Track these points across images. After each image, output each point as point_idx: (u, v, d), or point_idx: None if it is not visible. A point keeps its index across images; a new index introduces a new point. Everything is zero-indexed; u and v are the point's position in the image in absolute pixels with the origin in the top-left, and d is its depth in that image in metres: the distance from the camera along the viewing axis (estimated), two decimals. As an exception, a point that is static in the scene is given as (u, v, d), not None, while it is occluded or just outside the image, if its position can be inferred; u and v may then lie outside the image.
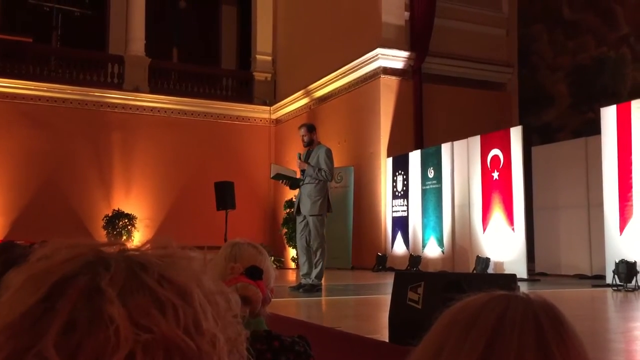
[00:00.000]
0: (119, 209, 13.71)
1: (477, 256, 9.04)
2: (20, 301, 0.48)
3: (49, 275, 0.49)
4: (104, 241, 0.55)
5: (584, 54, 11.29)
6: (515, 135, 8.73)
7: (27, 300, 0.47)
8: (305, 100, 14.63)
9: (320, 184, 6.76)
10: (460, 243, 9.74)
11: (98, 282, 0.48)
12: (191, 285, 0.52)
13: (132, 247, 0.54)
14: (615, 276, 6.85)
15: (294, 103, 15.10)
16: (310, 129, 7.09)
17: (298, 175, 7.02)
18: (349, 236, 12.07)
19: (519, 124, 10.26)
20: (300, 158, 6.95)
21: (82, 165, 13.98)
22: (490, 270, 8.68)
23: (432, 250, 10.32)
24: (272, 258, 13.36)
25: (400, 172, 11.27)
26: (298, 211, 6.90)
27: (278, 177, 7.12)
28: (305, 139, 7.01)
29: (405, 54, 11.99)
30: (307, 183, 6.80)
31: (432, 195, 10.39)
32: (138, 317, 0.48)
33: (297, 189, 7.06)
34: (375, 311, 4.87)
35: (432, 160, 10.46)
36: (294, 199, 11.35)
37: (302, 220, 6.84)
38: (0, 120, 13.48)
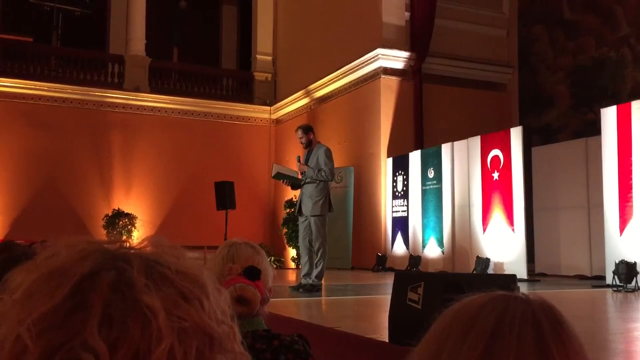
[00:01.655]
0: (119, 208, 13.71)
1: (477, 256, 9.04)
2: (42, 299, 0.48)
3: (69, 272, 0.49)
4: (107, 239, 0.55)
5: (584, 54, 11.29)
6: (516, 135, 8.73)
7: (51, 297, 0.48)
8: (305, 101, 14.63)
9: (322, 184, 6.76)
10: (460, 243, 9.74)
11: (127, 275, 0.49)
12: (203, 277, 0.54)
13: (134, 244, 0.55)
14: (615, 277, 6.85)
15: (294, 103, 15.10)
16: (306, 130, 7.07)
17: (299, 177, 7.01)
18: (349, 236, 12.07)
19: (519, 125, 10.26)
20: (299, 161, 6.94)
21: (82, 164, 13.99)
22: (490, 271, 8.68)
23: (432, 251, 10.32)
24: (272, 258, 13.43)
25: (400, 172, 11.27)
26: (300, 212, 6.90)
27: (279, 176, 7.11)
28: (303, 140, 7.01)
29: (405, 54, 11.99)
30: (308, 183, 6.80)
31: (432, 195, 10.39)
32: (171, 308, 0.49)
33: (298, 189, 7.06)
34: (375, 311, 4.87)
35: (432, 161, 10.46)
36: (294, 199, 11.39)
37: (304, 221, 6.84)
38: (0, 119, 13.48)
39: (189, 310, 0.50)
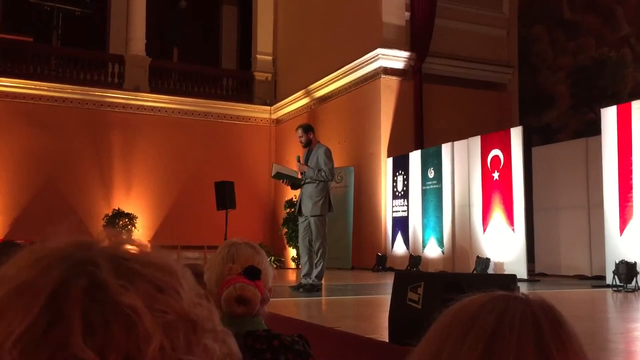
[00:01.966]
0: (119, 208, 13.71)
1: (477, 256, 9.04)
2: (16, 317, 0.46)
3: (37, 285, 0.47)
4: (64, 241, 0.53)
5: (585, 54, 11.29)
6: (516, 135, 8.73)
7: (25, 315, 0.46)
8: (305, 100, 14.63)
9: (322, 184, 6.76)
10: (461, 243, 9.74)
11: (99, 279, 0.48)
12: (172, 262, 0.53)
13: (92, 242, 0.53)
14: (615, 277, 6.85)
15: (295, 103, 15.10)
16: (306, 129, 7.07)
17: (299, 177, 7.01)
18: (349, 236, 12.07)
19: (519, 125, 10.26)
20: (299, 161, 6.94)
21: (82, 164, 13.99)
22: (490, 271, 8.68)
23: (432, 251, 10.32)
24: (272, 258, 13.42)
25: (400, 172, 11.27)
26: (299, 212, 6.90)
27: (279, 176, 7.12)
28: (303, 139, 7.00)
29: (405, 54, 11.99)
30: (308, 183, 6.80)
31: (432, 195, 10.39)
32: (151, 303, 0.48)
33: (298, 189, 7.06)
34: (375, 311, 4.87)
35: (432, 161, 10.46)
36: (294, 199, 11.38)
37: (304, 221, 6.84)
38: (0, 119, 13.48)
39: (168, 302, 0.49)
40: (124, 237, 0.54)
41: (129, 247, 0.53)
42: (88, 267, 0.48)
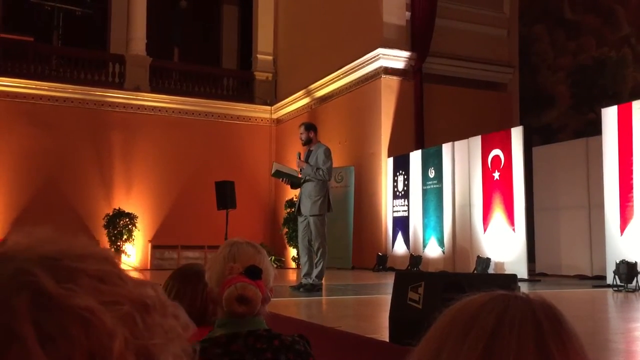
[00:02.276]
0: (119, 208, 13.71)
1: (478, 256, 9.04)
2: None
3: None
4: None
5: (585, 54, 11.28)
6: (516, 135, 8.73)
7: None
8: (306, 100, 14.63)
9: (321, 183, 6.77)
10: (461, 243, 9.74)
11: (40, 288, 0.45)
12: (100, 249, 0.51)
13: (14, 249, 0.49)
14: (616, 277, 6.84)
15: (295, 103, 15.10)
16: (308, 127, 7.10)
17: (299, 175, 7.02)
18: (349, 236, 12.07)
19: (520, 125, 10.26)
20: (299, 157, 6.96)
21: (83, 164, 13.99)
22: (490, 271, 8.68)
23: (433, 251, 10.32)
24: (273, 258, 13.42)
25: (400, 172, 11.27)
26: (299, 211, 6.91)
27: (278, 174, 7.13)
28: (303, 137, 7.03)
29: (406, 54, 11.99)
30: (307, 182, 6.81)
31: (433, 195, 10.39)
32: (100, 297, 0.47)
33: (298, 189, 7.06)
34: (376, 311, 4.87)
35: (432, 161, 10.46)
36: (294, 199, 11.38)
37: (304, 221, 6.85)
38: (1, 119, 13.49)
39: (116, 290, 0.48)
40: (40, 234, 0.51)
41: (52, 244, 0.50)
42: (22, 279, 0.46)
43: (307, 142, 7.02)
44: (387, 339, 3.10)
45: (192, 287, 2.06)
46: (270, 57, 16.49)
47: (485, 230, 9.14)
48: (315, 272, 6.66)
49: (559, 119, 11.64)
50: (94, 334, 0.45)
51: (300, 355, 1.57)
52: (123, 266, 0.52)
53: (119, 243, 13.47)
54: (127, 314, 0.47)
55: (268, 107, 16.03)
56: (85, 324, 0.45)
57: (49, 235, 0.51)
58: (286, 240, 13.74)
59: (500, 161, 8.93)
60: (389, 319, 3.08)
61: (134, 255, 13.95)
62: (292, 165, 7.55)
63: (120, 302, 0.47)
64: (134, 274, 0.53)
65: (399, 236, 11.17)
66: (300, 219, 6.92)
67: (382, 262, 10.93)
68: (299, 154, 7.00)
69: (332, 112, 13.49)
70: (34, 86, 13.86)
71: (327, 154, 6.88)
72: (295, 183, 7.02)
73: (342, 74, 12.99)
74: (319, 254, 6.70)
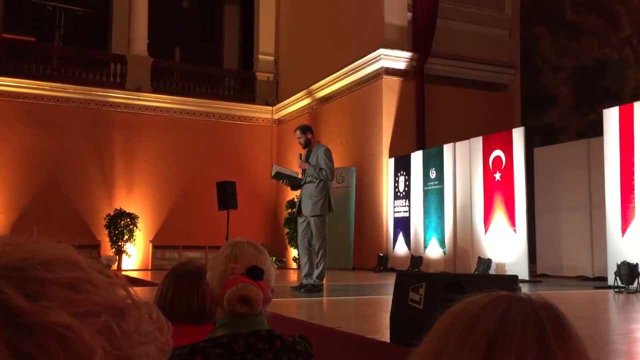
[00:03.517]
0: (120, 208, 13.72)
1: (479, 257, 9.03)
2: None
3: None
4: None
5: (587, 55, 11.28)
6: (518, 136, 8.73)
7: None
8: (307, 101, 14.63)
9: (321, 184, 6.77)
10: (462, 244, 9.74)
11: (8, 305, 0.43)
12: (69, 253, 0.49)
13: None
14: (617, 278, 6.84)
15: (296, 103, 15.10)
16: (304, 130, 7.09)
17: (300, 176, 7.02)
18: (350, 236, 12.07)
19: (521, 125, 10.25)
20: (300, 158, 6.96)
21: (84, 164, 14.00)
22: (491, 271, 8.68)
23: (434, 251, 10.31)
24: (274, 258, 13.44)
25: (402, 172, 11.27)
26: (299, 212, 6.91)
27: (278, 176, 7.13)
28: (302, 140, 7.02)
29: (407, 54, 11.99)
30: (308, 183, 6.81)
31: (434, 196, 10.39)
32: (73, 309, 0.44)
33: (298, 190, 7.06)
34: (377, 311, 4.87)
35: (434, 161, 10.45)
36: (295, 199, 11.38)
37: (304, 221, 6.85)
38: (2, 119, 13.50)
39: (89, 299, 0.46)
40: (2, 238, 0.48)
41: (15, 252, 0.47)
42: None
43: (307, 145, 7.02)
44: (388, 340, 3.10)
45: (189, 285, 2.05)
46: (272, 58, 16.50)
47: (486, 231, 9.13)
48: (316, 272, 6.66)
49: (561, 120, 11.63)
50: (72, 350, 0.43)
51: (302, 355, 1.57)
52: (90, 266, 0.49)
53: (120, 243, 13.48)
54: (104, 325, 0.45)
55: (269, 108, 16.03)
56: (63, 341, 0.43)
57: (7, 242, 0.48)
58: (287, 241, 13.74)
59: (502, 162, 8.93)
60: (390, 320, 3.08)
61: (135, 255, 13.96)
62: (294, 166, 7.55)
63: (95, 311, 0.45)
64: (100, 270, 0.50)
65: (400, 237, 11.16)
66: (300, 220, 6.92)
67: (383, 262, 10.93)
68: (300, 155, 7.00)
69: (333, 112, 13.49)
70: (35, 86, 13.87)
71: (328, 154, 6.88)
72: (296, 184, 7.02)
73: (343, 75, 12.99)
74: (319, 255, 6.70)
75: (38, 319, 0.43)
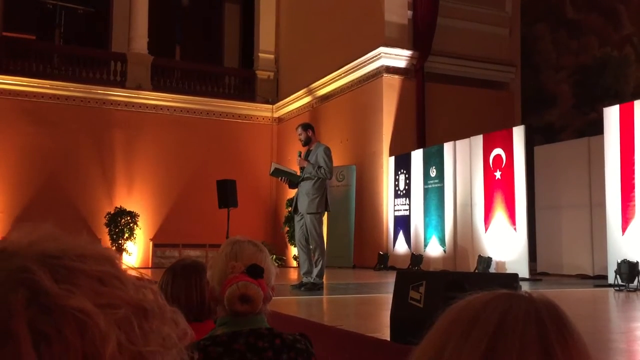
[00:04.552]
0: (121, 206, 13.72)
1: (479, 255, 9.03)
2: None
3: None
4: None
5: (587, 53, 11.27)
6: (518, 134, 8.72)
7: None
8: (307, 99, 14.63)
9: (319, 182, 6.78)
10: (462, 242, 9.74)
11: (38, 286, 0.45)
12: (102, 249, 0.51)
13: (14, 245, 0.49)
14: (617, 276, 6.84)
15: (297, 101, 15.10)
16: (306, 127, 7.12)
17: (298, 174, 7.03)
18: (350, 235, 12.07)
19: (522, 124, 10.25)
20: (300, 156, 6.97)
21: (84, 162, 14.00)
22: (492, 270, 8.68)
23: (434, 250, 10.31)
24: (274, 256, 13.44)
25: (402, 171, 11.27)
26: (295, 210, 6.91)
27: (277, 173, 7.13)
28: (302, 137, 7.04)
29: (408, 52, 11.98)
30: (305, 180, 6.81)
31: (434, 194, 10.39)
32: (97, 299, 0.46)
33: (296, 188, 7.07)
34: (377, 310, 4.87)
35: (434, 160, 10.45)
36: (295, 198, 11.39)
37: (300, 219, 6.85)
38: (3, 117, 13.50)
39: (114, 293, 0.47)
40: (42, 231, 0.50)
41: (53, 242, 0.49)
42: (21, 276, 0.45)
43: (307, 142, 7.04)
44: (388, 338, 3.10)
45: (188, 281, 2.06)
46: (272, 56, 16.49)
47: (486, 229, 9.13)
48: (315, 271, 6.66)
49: (561, 119, 11.63)
50: (88, 337, 0.44)
51: (302, 353, 1.57)
52: (125, 267, 0.51)
53: (120, 241, 13.48)
54: (124, 318, 0.47)
55: (269, 106, 16.03)
56: (80, 326, 0.44)
57: (51, 233, 0.50)
58: (287, 239, 13.74)
59: (502, 160, 8.93)
60: (390, 318, 3.08)
61: (135, 253, 13.96)
62: (293, 164, 7.55)
63: (117, 305, 0.47)
64: (135, 274, 0.52)
65: (400, 235, 11.16)
66: (297, 218, 6.93)
67: (383, 261, 10.93)
68: (300, 153, 7.01)
69: (333, 110, 13.49)
70: (35, 84, 13.86)
71: (328, 152, 6.89)
72: (294, 182, 7.03)
73: (343, 73, 12.98)
74: (316, 254, 6.71)
75: (61, 302, 0.44)
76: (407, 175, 11.13)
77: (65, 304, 0.44)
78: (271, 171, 7.15)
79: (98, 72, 14.76)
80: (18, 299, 0.44)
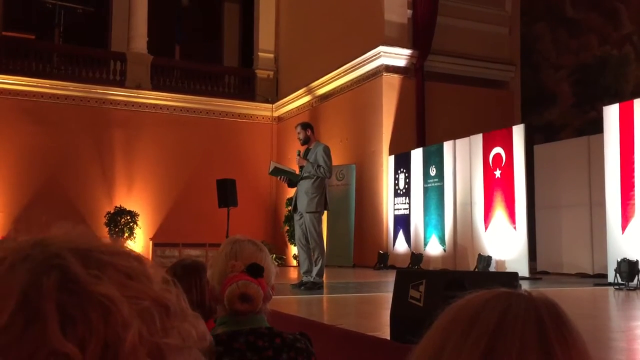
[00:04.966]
0: (120, 205, 13.72)
1: (479, 254, 9.03)
2: None
3: (4, 287, 0.47)
4: (18, 237, 0.53)
5: (587, 52, 11.27)
6: (518, 133, 8.72)
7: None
8: (307, 98, 14.62)
9: (318, 180, 6.78)
10: (462, 241, 9.74)
11: (69, 272, 0.48)
12: (136, 252, 0.54)
13: (48, 237, 0.53)
14: (617, 275, 6.84)
15: (296, 101, 15.10)
16: (305, 126, 7.13)
17: (297, 173, 7.03)
18: (350, 234, 12.07)
19: (522, 123, 10.24)
20: (299, 155, 6.97)
21: (84, 162, 14.00)
22: (491, 269, 8.68)
23: (434, 249, 10.32)
24: (274, 256, 13.45)
25: (402, 170, 11.27)
26: (295, 208, 6.92)
27: (276, 172, 7.13)
28: (301, 136, 7.05)
29: (407, 52, 11.98)
30: (304, 180, 6.82)
31: (434, 193, 10.39)
32: (123, 291, 0.49)
33: (296, 187, 7.07)
34: (377, 309, 4.87)
35: (434, 159, 10.45)
36: (295, 197, 11.39)
37: (300, 218, 6.86)
38: (2, 117, 13.50)
39: (140, 288, 0.50)
40: (80, 229, 0.54)
41: (88, 238, 0.53)
42: (55, 261, 0.49)
43: (306, 141, 7.04)
44: (388, 337, 3.11)
45: (188, 281, 2.06)
46: (272, 55, 16.49)
47: (486, 228, 9.13)
48: (315, 270, 6.66)
49: (561, 117, 11.63)
50: (112, 323, 0.47)
51: (302, 353, 1.58)
52: (153, 269, 0.54)
53: (120, 241, 13.48)
54: (146, 310, 0.49)
55: (269, 105, 16.02)
56: (105, 312, 0.47)
57: (86, 232, 0.54)
58: (287, 238, 13.74)
59: (502, 159, 8.93)
60: (390, 317, 3.08)
61: (135, 253, 13.95)
62: (293, 164, 7.56)
63: (141, 298, 0.49)
64: (162, 277, 0.54)
65: (400, 234, 11.16)
66: (296, 217, 6.93)
67: (383, 260, 10.93)
68: (299, 152, 7.01)
69: (333, 110, 13.48)
70: (35, 84, 13.86)
71: (327, 151, 6.90)
72: (293, 181, 7.03)
73: (343, 72, 12.98)
74: (316, 253, 6.71)
75: (89, 287, 0.47)
76: (407, 174, 11.13)
77: (93, 289, 0.47)
78: (270, 170, 7.15)
79: (98, 71, 14.75)
80: (50, 281, 0.47)
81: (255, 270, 1.57)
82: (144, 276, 0.51)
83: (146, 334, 0.48)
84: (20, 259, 0.49)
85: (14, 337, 0.45)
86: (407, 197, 11.07)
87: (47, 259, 0.49)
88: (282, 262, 13.98)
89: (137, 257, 0.53)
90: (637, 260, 6.77)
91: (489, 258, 8.85)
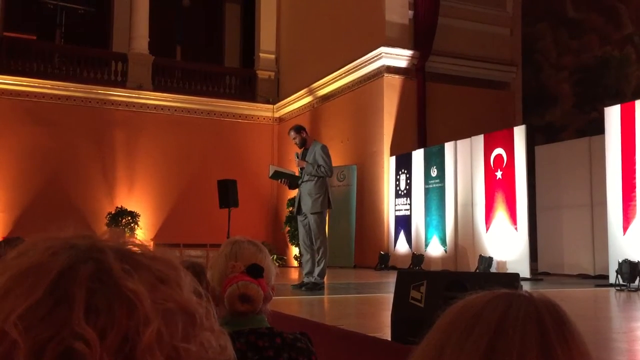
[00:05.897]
0: (121, 206, 13.73)
1: (480, 255, 9.03)
2: (21, 296, 0.49)
3: (43, 268, 0.50)
4: (72, 234, 0.56)
5: (588, 53, 11.26)
6: (519, 134, 8.72)
7: (30, 294, 0.48)
8: (308, 99, 14.63)
9: (320, 181, 6.78)
10: (463, 242, 9.74)
11: (105, 264, 0.51)
12: (174, 260, 0.56)
13: (99, 236, 0.56)
14: (619, 276, 6.83)
15: (297, 101, 15.10)
16: (298, 130, 7.12)
17: (298, 174, 7.03)
18: (351, 235, 12.07)
19: (523, 123, 10.24)
20: (298, 157, 6.97)
21: (85, 162, 14.01)
22: (493, 270, 8.67)
23: (435, 249, 10.31)
24: (275, 256, 13.44)
25: (403, 170, 11.27)
26: (299, 210, 6.91)
27: (276, 175, 7.14)
28: (297, 140, 7.05)
29: (408, 52, 11.97)
30: (306, 181, 6.82)
31: (435, 194, 10.38)
32: (152, 291, 0.51)
33: (297, 189, 7.07)
34: (378, 309, 4.87)
35: (435, 159, 10.45)
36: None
37: (304, 219, 6.86)
38: (4, 117, 13.51)
39: (169, 292, 0.52)
40: (127, 235, 0.57)
41: (132, 242, 0.56)
42: (94, 253, 0.52)
43: (303, 144, 7.05)
44: (389, 338, 3.10)
45: None
46: (273, 56, 16.49)
47: (487, 229, 9.13)
48: (316, 270, 6.67)
49: (562, 118, 11.62)
50: (134, 318, 0.48)
51: (302, 353, 1.57)
52: (190, 281, 0.55)
53: (121, 241, 13.47)
54: (170, 312, 0.51)
55: (270, 106, 16.03)
56: (130, 306, 0.49)
57: (131, 238, 0.57)
58: (288, 239, 13.74)
59: (503, 160, 8.92)
60: (391, 318, 3.08)
61: (136, 253, 13.96)
62: (293, 165, 7.56)
63: (168, 301, 0.51)
64: (197, 290, 0.56)
65: (401, 235, 11.16)
66: (300, 218, 6.93)
67: (384, 260, 10.93)
68: (297, 155, 7.02)
69: (334, 110, 13.48)
70: (36, 84, 13.87)
71: (325, 150, 6.91)
72: (294, 183, 7.04)
73: (344, 73, 12.98)
74: (320, 253, 6.72)
75: (119, 282, 0.50)
76: (408, 175, 11.13)
77: (122, 283, 0.50)
78: (270, 174, 7.15)
79: (99, 72, 14.76)
80: (85, 270, 0.50)
81: (255, 271, 1.57)
82: (175, 283, 0.53)
83: (166, 335, 0.49)
84: (64, 247, 0.53)
85: (41, 315, 0.47)
86: (408, 198, 11.06)
87: (88, 250, 0.52)
88: (283, 262, 13.98)
89: (173, 265, 0.55)
90: (639, 261, 6.76)
91: (490, 259, 8.85)
